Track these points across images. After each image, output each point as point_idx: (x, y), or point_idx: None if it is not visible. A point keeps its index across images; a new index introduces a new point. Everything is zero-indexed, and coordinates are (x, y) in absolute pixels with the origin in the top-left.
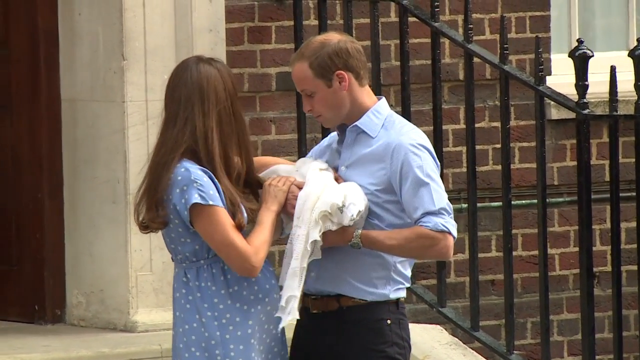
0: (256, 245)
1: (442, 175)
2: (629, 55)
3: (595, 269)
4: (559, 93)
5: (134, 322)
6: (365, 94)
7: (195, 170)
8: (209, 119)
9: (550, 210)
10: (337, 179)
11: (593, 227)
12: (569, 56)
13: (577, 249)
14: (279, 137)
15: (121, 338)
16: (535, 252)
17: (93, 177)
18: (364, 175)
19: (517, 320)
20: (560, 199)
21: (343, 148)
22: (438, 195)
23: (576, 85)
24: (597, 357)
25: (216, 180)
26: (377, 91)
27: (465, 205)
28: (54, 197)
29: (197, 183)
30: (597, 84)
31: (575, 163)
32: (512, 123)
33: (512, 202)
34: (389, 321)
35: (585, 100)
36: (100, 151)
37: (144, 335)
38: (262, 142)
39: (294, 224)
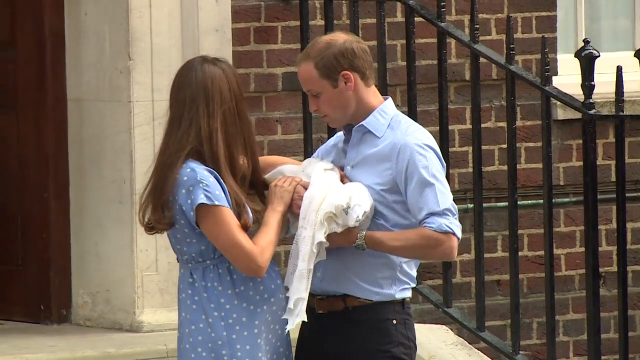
0: (262, 246)
1: (448, 176)
2: (635, 55)
3: (601, 269)
4: (565, 93)
5: (140, 322)
6: (372, 94)
7: (201, 171)
8: (214, 120)
9: (556, 211)
10: (343, 179)
11: (599, 227)
12: (575, 56)
13: (583, 249)
14: (285, 137)
15: (127, 338)
16: (541, 252)
17: (99, 177)
18: (370, 175)
19: (523, 321)
20: (566, 199)
21: (349, 148)
22: (443, 196)
23: (582, 86)
24: (602, 357)
25: (222, 180)
26: (383, 91)
27: (471, 206)
28: (59, 197)
29: (203, 183)
30: (604, 84)
31: (581, 163)
32: (518, 123)
33: (518, 202)
34: (394, 321)
35: (591, 101)
36: (107, 151)
37: (149, 336)
38: (268, 142)
39: (299, 225)
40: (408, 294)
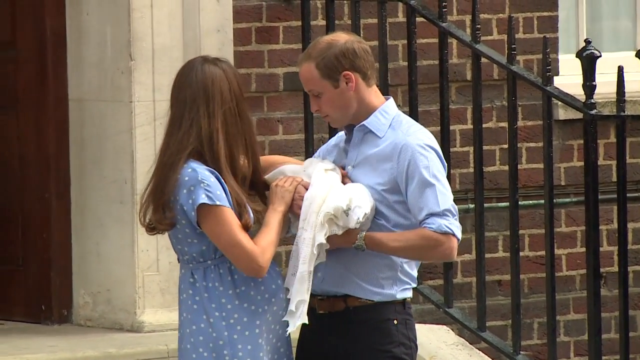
0: (263, 246)
1: (449, 176)
2: (636, 55)
3: (602, 270)
4: (567, 93)
5: (141, 322)
6: (373, 94)
7: (202, 171)
8: (214, 120)
9: (557, 211)
10: (345, 179)
11: (600, 227)
12: (576, 56)
13: (584, 249)
14: (286, 137)
15: (128, 338)
16: (542, 253)
17: (100, 177)
18: (371, 175)
19: (524, 321)
20: (568, 200)
21: (350, 147)
22: (443, 197)
23: (584, 86)
24: (603, 357)
25: (223, 180)
26: (385, 91)
27: (472, 206)
28: (60, 197)
29: (204, 183)
30: (605, 85)
31: (582, 163)
32: (520, 123)
33: (519, 203)
34: (395, 321)
35: (592, 101)
36: (108, 151)
37: (150, 336)
38: (270, 142)
39: (300, 226)
40: (409, 294)
